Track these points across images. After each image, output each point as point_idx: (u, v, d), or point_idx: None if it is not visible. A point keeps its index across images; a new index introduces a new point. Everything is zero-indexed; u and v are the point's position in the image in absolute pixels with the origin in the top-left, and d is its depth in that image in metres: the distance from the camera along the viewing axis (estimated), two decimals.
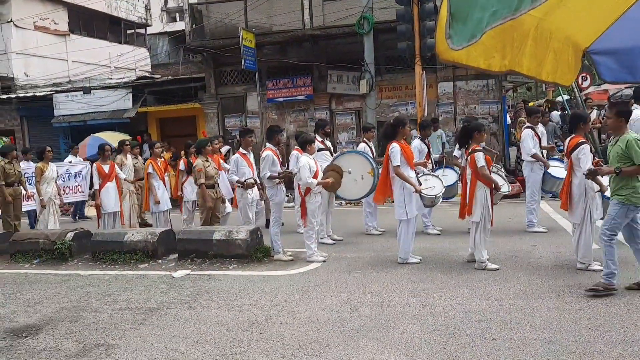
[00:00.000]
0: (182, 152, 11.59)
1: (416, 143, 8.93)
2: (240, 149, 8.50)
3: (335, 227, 9.33)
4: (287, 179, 8.03)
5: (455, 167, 9.26)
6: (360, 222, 9.57)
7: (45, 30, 21.92)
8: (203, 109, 17.11)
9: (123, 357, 4.62)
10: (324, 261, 7.34)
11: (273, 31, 15.92)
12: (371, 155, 8.71)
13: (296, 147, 8.84)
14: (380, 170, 8.38)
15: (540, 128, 9.03)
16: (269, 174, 7.72)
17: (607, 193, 6.26)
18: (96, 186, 9.92)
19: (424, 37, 12.73)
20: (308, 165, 7.25)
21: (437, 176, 8.28)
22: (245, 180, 8.18)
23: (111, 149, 10.42)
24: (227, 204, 9.37)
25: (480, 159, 6.55)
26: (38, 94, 19.19)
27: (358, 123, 15.89)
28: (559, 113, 17.54)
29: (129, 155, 10.91)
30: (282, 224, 8.13)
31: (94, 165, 10.02)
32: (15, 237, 8.96)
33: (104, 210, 9.84)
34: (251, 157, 8.44)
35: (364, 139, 9.43)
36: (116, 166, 10.09)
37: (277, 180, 7.80)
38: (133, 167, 10.89)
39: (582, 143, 6.24)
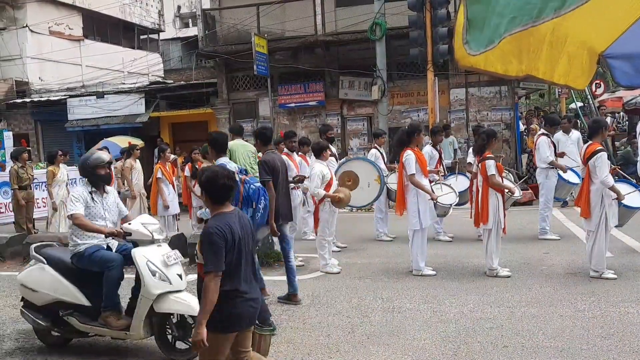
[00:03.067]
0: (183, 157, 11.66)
1: (427, 149, 8.90)
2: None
3: (346, 233, 9.32)
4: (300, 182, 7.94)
5: (468, 174, 9.21)
6: (371, 228, 9.54)
7: (60, 36, 22.16)
8: (215, 114, 17.19)
9: (135, 358, 4.64)
10: (338, 272, 7.20)
11: (285, 37, 15.98)
12: (377, 163, 8.64)
13: (300, 153, 8.79)
14: (386, 177, 8.36)
15: (558, 136, 8.99)
16: None
17: (624, 201, 6.21)
18: None
19: (436, 43, 12.70)
20: (321, 173, 7.02)
21: (449, 185, 8.24)
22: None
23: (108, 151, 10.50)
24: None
25: (491, 166, 6.50)
26: (52, 98, 19.39)
27: (369, 129, 15.87)
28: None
29: (137, 160, 10.99)
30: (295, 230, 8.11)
31: None
32: (29, 239, 9.04)
33: None
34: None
35: (375, 145, 9.41)
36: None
37: (292, 185, 7.78)
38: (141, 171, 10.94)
39: (599, 150, 6.18)
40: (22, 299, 4.93)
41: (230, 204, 3.34)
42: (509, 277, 6.48)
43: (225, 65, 16.80)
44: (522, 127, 16.72)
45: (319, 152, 7.39)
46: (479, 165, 6.70)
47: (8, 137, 16.47)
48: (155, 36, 28.40)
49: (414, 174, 6.77)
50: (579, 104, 19.18)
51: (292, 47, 16.00)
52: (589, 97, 17.33)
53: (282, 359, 4.48)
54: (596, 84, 18.01)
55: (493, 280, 6.43)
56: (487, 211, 6.53)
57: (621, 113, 17.01)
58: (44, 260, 4.81)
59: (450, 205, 7.89)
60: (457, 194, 8.17)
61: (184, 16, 34.20)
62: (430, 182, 7.55)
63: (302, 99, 16.31)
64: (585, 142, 7.33)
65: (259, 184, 5.40)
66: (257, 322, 3.60)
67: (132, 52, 24.87)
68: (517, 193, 7.95)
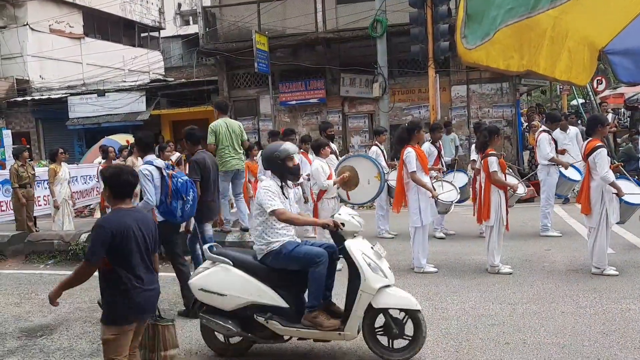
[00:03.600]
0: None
1: (426, 146, 8.87)
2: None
3: None
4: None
5: (469, 171, 9.20)
6: (373, 226, 9.53)
7: (61, 34, 22.16)
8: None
9: None
10: (339, 270, 7.20)
11: (286, 34, 15.96)
12: (377, 160, 8.63)
13: (301, 150, 8.80)
14: (387, 174, 8.35)
15: (556, 134, 8.98)
16: None
17: (625, 197, 6.20)
18: (102, 187, 10.01)
19: (437, 40, 12.67)
20: (321, 168, 7.16)
21: (450, 182, 8.23)
22: None
23: (114, 150, 10.51)
24: None
25: (494, 163, 6.50)
26: (53, 96, 19.41)
27: (371, 126, 15.87)
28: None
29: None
30: None
31: (99, 167, 10.15)
32: (30, 237, 9.06)
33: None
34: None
35: (376, 142, 9.41)
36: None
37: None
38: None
39: (599, 147, 6.17)
40: (200, 305, 4.45)
41: (131, 199, 3.53)
42: (510, 274, 6.48)
43: (226, 62, 16.79)
44: (523, 124, 16.69)
45: (317, 150, 7.48)
46: (482, 162, 6.70)
47: (7, 136, 16.50)
48: (156, 34, 28.39)
49: (415, 171, 6.76)
50: (581, 100, 19.14)
51: (293, 44, 15.98)
52: (590, 93, 17.29)
53: (284, 356, 4.48)
54: (597, 80, 17.96)
55: (495, 277, 6.43)
56: (489, 208, 6.53)
57: (622, 109, 16.95)
58: (229, 261, 4.38)
59: (452, 202, 7.89)
60: (459, 191, 8.17)
61: (185, 14, 34.18)
62: (431, 179, 7.54)
63: (303, 96, 16.31)
64: (585, 139, 7.32)
65: (186, 178, 5.57)
66: (157, 314, 3.80)
67: (132, 50, 24.87)
68: (521, 190, 7.94)
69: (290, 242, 4.37)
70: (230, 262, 4.36)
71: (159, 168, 5.41)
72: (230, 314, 4.31)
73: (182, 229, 5.87)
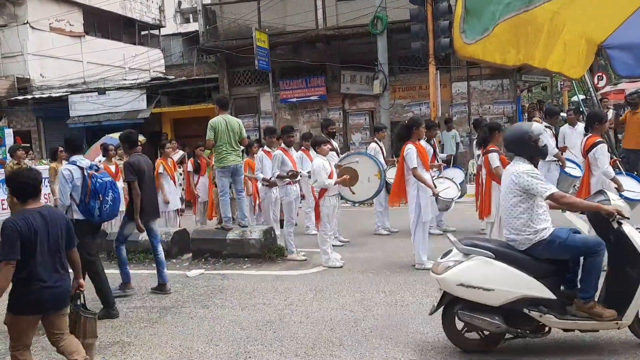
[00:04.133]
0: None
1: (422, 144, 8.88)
2: (265, 147, 8.70)
3: (347, 227, 9.32)
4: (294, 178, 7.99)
5: (470, 167, 9.20)
6: (372, 223, 9.54)
7: (61, 32, 22.14)
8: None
9: (138, 355, 4.66)
10: (341, 267, 7.20)
11: (286, 32, 15.95)
12: (378, 158, 8.63)
13: (302, 147, 8.81)
14: (386, 172, 8.36)
15: (564, 129, 8.98)
16: (277, 173, 7.79)
17: (625, 193, 6.20)
18: None
19: (438, 36, 12.67)
20: (323, 166, 7.14)
21: (451, 179, 8.22)
22: (270, 178, 8.18)
23: (115, 148, 10.48)
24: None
25: (495, 159, 6.50)
26: (54, 95, 19.40)
27: (371, 123, 15.86)
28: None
29: None
30: (295, 224, 8.13)
31: (101, 166, 10.11)
32: None
33: None
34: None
35: (375, 139, 9.42)
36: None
37: (287, 180, 7.83)
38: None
39: (599, 142, 6.17)
40: (451, 301, 4.24)
41: (38, 198, 3.66)
42: None
43: (226, 60, 16.79)
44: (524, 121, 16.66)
45: (316, 147, 7.48)
46: (483, 158, 6.70)
47: (9, 135, 16.51)
48: (156, 32, 28.36)
49: (416, 167, 6.76)
50: (582, 96, 19.10)
51: (293, 41, 15.97)
52: (591, 89, 17.27)
53: (286, 353, 4.50)
54: (598, 76, 17.92)
55: None
56: (490, 204, 6.54)
57: (623, 105, 16.91)
58: (490, 253, 4.13)
59: (452, 199, 7.89)
60: (459, 188, 8.16)
61: (185, 11, 34.16)
62: (432, 176, 7.54)
63: (304, 93, 16.30)
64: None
65: (108, 179, 5.71)
66: (80, 306, 4.09)
67: (133, 48, 24.84)
68: None
69: (561, 229, 4.17)
70: (492, 255, 4.13)
71: (81, 168, 5.57)
72: (495, 309, 4.09)
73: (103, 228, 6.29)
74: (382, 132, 9.61)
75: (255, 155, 9.05)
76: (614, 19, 5.19)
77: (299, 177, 7.99)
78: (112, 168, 9.99)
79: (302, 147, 9.01)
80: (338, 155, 9.26)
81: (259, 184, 8.66)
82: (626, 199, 6.31)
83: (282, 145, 8.23)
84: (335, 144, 9.64)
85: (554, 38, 5.41)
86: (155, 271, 6.64)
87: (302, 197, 8.76)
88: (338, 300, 5.78)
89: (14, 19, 20.78)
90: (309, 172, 7.93)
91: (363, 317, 5.21)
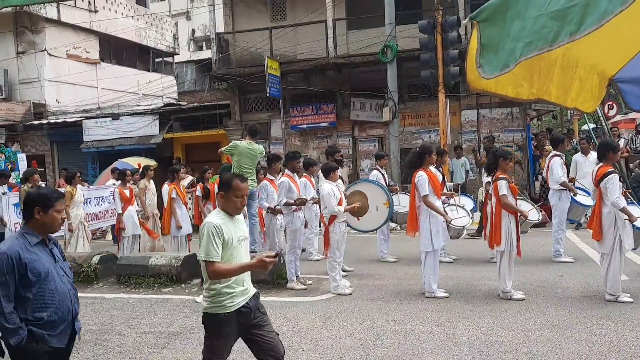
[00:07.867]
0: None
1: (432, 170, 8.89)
2: (268, 175, 8.60)
3: (353, 253, 9.28)
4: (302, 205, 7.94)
5: (479, 195, 9.19)
6: (376, 250, 9.49)
7: (77, 59, 22.58)
8: (228, 135, 17.34)
9: None
10: (350, 294, 7.14)
11: (297, 59, 16.16)
12: (385, 185, 8.61)
13: (305, 174, 8.76)
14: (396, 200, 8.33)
15: (577, 157, 9.00)
16: (284, 200, 7.70)
17: (637, 223, 6.16)
18: (119, 210, 10.10)
19: (447, 65, 12.80)
20: (332, 192, 7.11)
21: (463, 207, 8.20)
22: (275, 207, 8.15)
23: (132, 174, 10.62)
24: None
25: (503, 187, 6.48)
26: (68, 120, 19.69)
27: (381, 150, 15.92)
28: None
29: (151, 180, 11.09)
30: (303, 250, 8.07)
31: (116, 190, 10.24)
32: None
33: (126, 234, 10.02)
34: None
35: (377, 166, 9.45)
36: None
37: (294, 207, 7.76)
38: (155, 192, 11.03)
39: (610, 172, 6.14)
40: None
41: None
42: (523, 299, 6.42)
43: (238, 87, 17.01)
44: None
45: (328, 173, 7.39)
46: (492, 185, 6.69)
47: (22, 159, 16.73)
48: (170, 59, 28.83)
49: (427, 194, 6.75)
50: (592, 125, 19.07)
51: (304, 69, 16.17)
52: (601, 118, 17.26)
53: None
54: (609, 105, 17.95)
55: (507, 303, 6.37)
56: (500, 232, 6.50)
57: (632, 135, 16.88)
58: None
59: (463, 227, 7.86)
60: (471, 216, 8.12)
61: (198, 39, 34.71)
62: (443, 203, 7.52)
63: (314, 120, 16.44)
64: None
65: None
66: None
67: (147, 75, 25.24)
68: (535, 215, 7.83)
69: None
70: None
71: None
72: None
73: None
74: (384, 159, 9.62)
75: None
76: (625, 53, 5.23)
77: (306, 204, 7.97)
78: (127, 192, 10.12)
79: (305, 174, 8.95)
80: (344, 183, 9.23)
81: (264, 212, 8.61)
82: (638, 229, 6.29)
83: (287, 171, 8.12)
84: (344, 173, 9.59)
85: (569, 74, 5.45)
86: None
87: (306, 224, 8.71)
88: (347, 328, 5.74)
89: (32, 46, 21.23)
90: (312, 198, 7.92)
91: (372, 346, 5.17)
